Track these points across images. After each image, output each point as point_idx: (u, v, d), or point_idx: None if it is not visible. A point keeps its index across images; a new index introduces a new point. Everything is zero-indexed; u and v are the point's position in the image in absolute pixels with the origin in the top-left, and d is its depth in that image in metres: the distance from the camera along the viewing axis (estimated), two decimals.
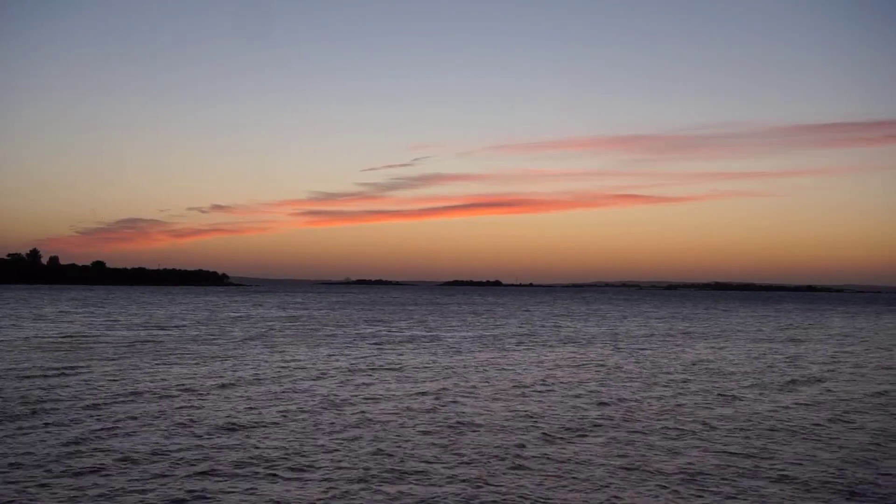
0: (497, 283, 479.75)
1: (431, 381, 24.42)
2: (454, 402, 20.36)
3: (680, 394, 22.72)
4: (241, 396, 20.62)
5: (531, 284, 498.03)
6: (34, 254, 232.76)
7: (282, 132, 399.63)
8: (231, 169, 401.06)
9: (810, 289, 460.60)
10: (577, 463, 13.74)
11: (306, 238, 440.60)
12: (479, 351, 36.09)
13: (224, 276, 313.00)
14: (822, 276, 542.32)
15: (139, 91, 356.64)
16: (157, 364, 27.82)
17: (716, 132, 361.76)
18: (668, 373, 28.14)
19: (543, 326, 58.20)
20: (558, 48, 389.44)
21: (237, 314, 70.02)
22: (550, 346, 40.21)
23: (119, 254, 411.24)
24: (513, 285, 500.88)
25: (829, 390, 24.11)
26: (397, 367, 28.56)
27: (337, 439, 15.33)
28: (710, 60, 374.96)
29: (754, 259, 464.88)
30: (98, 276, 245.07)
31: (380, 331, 49.73)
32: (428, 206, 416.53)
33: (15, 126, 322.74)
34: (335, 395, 21.25)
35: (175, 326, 49.95)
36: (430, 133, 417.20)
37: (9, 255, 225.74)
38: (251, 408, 18.82)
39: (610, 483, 12.45)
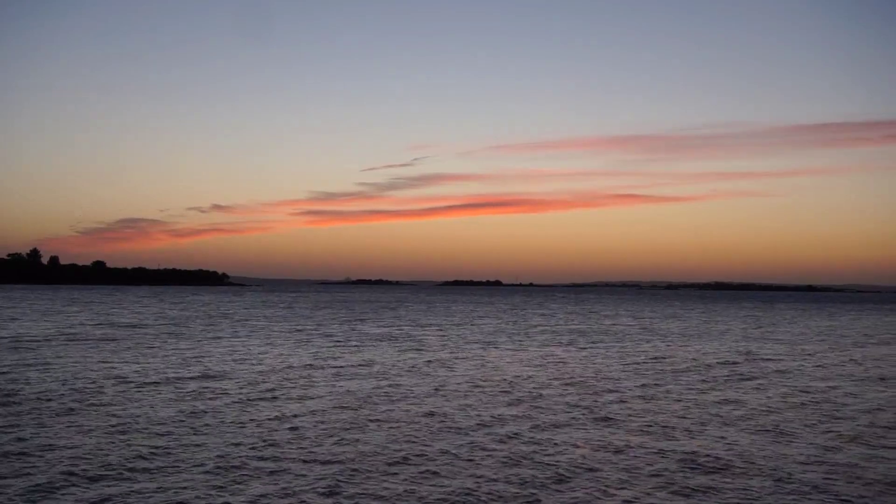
0: (497, 283, 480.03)
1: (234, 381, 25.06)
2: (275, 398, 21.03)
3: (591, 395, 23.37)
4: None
5: (531, 284, 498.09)
6: (34, 254, 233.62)
7: (282, 132, 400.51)
8: (231, 169, 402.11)
9: (810, 289, 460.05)
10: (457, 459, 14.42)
11: (306, 238, 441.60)
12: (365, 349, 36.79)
13: (224, 275, 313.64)
14: (822, 276, 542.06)
15: (139, 91, 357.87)
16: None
17: (716, 132, 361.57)
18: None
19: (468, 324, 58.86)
20: (558, 48, 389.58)
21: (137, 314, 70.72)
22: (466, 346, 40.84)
23: (119, 254, 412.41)
24: (513, 285, 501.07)
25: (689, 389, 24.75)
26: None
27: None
28: (710, 60, 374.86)
29: (754, 259, 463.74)
30: (98, 276, 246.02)
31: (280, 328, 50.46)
32: (428, 206, 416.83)
33: (15, 126, 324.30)
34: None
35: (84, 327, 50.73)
36: (430, 133, 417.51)
37: (9, 255, 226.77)
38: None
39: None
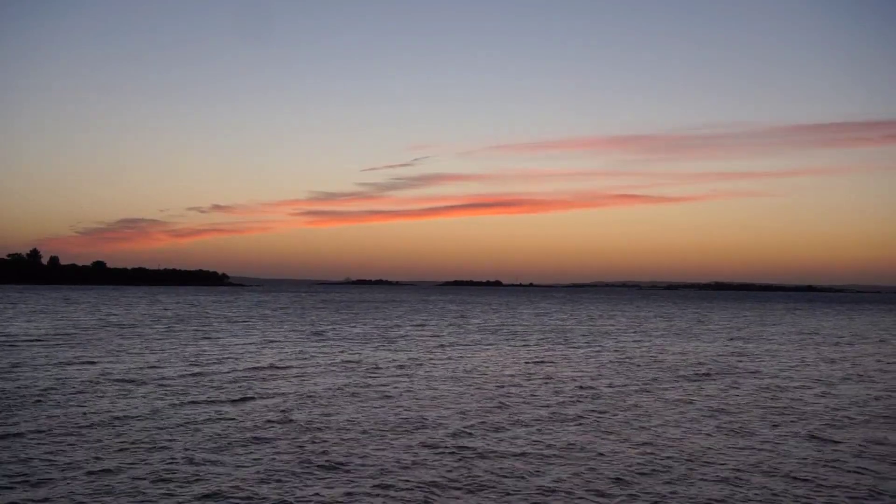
0: (497, 283, 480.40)
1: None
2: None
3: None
4: None
5: (531, 284, 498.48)
6: (34, 254, 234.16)
7: (282, 132, 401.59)
8: (231, 169, 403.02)
9: (810, 289, 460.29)
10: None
11: (306, 238, 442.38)
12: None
13: (224, 276, 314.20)
14: (822, 276, 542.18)
15: (139, 91, 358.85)
16: None
17: (716, 132, 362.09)
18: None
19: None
20: (558, 48, 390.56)
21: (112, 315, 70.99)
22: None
23: (119, 254, 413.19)
24: (513, 285, 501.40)
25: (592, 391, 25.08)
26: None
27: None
28: (710, 60, 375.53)
29: (754, 259, 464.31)
30: (98, 276, 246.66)
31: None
32: (428, 206, 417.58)
33: (15, 126, 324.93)
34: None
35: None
36: (430, 133, 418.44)
37: (9, 255, 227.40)
38: None
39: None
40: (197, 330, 47.13)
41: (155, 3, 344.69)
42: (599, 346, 40.51)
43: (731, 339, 47.75)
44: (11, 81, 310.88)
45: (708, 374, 28.00)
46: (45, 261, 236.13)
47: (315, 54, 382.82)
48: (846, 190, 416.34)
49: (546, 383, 24.64)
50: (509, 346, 39.67)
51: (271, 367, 27.82)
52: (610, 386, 24.29)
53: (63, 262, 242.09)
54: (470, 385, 23.91)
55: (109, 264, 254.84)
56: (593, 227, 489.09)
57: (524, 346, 39.78)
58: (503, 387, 23.63)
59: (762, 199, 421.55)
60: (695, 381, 26.06)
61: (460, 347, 38.00)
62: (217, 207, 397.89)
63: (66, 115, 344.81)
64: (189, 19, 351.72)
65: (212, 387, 22.37)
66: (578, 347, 39.19)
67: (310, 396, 20.99)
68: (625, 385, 24.54)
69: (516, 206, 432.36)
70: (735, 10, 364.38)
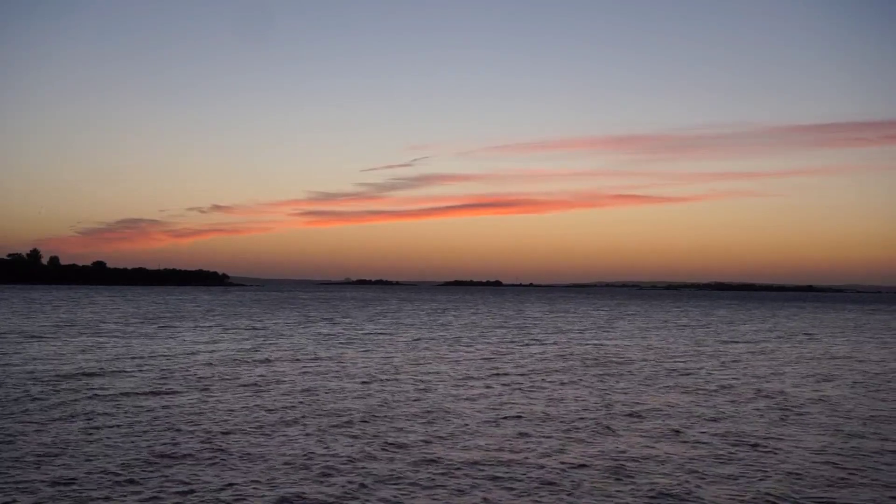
0: (497, 283, 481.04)
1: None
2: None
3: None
4: None
5: (531, 284, 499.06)
6: (34, 254, 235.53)
7: (281, 132, 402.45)
8: (231, 169, 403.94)
9: (810, 289, 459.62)
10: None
11: (306, 238, 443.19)
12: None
13: (224, 276, 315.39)
14: (822, 276, 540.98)
15: (139, 91, 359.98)
16: None
17: (715, 132, 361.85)
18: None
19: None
20: (558, 48, 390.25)
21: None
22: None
23: (119, 254, 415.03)
24: (513, 285, 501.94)
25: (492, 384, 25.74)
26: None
27: None
28: (710, 60, 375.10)
29: (754, 259, 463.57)
30: (98, 276, 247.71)
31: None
32: (428, 206, 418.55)
33: (15, 126, 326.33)
34: None
35: None
36: (430, 133, 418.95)
37: (9, 255, 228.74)
38: None
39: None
40: (162, 329, 47.84)
41: (154, 2, 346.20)
42: (557, 344, 41.11)
43: (689, 339, 48.35)
44: (11, 81, 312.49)
45: (646, 373, 28.61)
46: (45, 261, 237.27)
47: (315, 54, 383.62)
48: (846, 190, 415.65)
49: (488, 381, 25.31)
50: (477, 345, 40.32)
51: (209, 364, 28.55)
52: (545, 383, 24.95)
53: (63, 262, 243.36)
54: (399, 381, 24.59)
55: (109, 264, 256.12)
56: (593, 227, 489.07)
57: (487, 344, 40.44)
58: (445, 386, 24.34)
59: (762, 199, 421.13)
60: (630, 380, 26.70)
61: (420, 346, 38.63)
62: (217, 207, 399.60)
63: (67, 114, 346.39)
64: (189, 19, 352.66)
65: (144, 385, 23.09)
66: (538, 346, 39.82)
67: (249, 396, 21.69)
68: (568, 383, 25.20)
69: (516, 206, 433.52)
70: (735, 10, 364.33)
